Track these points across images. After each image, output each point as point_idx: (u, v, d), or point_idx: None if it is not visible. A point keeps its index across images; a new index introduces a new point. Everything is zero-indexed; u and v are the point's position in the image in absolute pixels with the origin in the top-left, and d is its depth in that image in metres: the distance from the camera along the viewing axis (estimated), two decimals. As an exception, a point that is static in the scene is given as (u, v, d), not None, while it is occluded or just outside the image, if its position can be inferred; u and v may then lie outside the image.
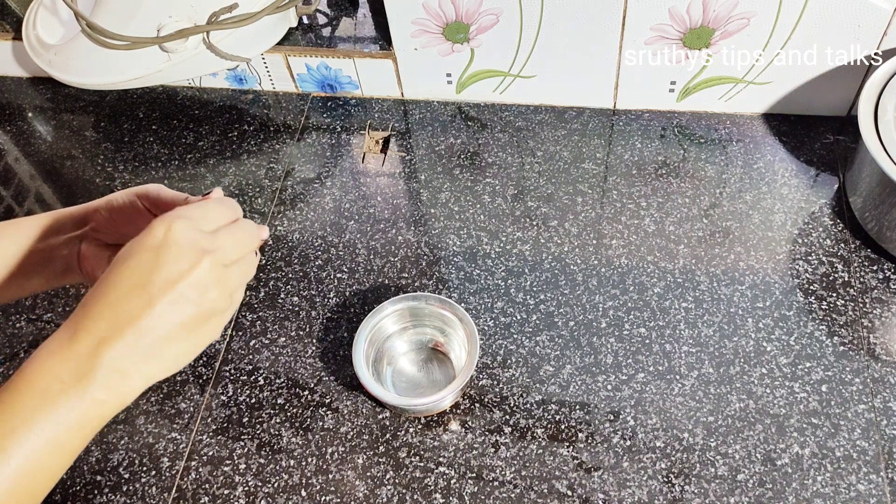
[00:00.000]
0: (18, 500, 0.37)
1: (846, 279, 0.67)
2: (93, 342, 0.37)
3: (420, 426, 0.62)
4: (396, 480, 0.59)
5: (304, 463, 0.61)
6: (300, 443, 0.62)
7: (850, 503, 0.55)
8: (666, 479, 0.58)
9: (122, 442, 0.63)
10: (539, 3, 0.72)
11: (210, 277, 0.40)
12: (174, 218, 0.39)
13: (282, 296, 0.71)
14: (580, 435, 0.60)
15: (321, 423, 0.63)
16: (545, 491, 0.58)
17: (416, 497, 0.58)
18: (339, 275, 0.72)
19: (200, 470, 0.61)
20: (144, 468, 0.62)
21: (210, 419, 0.64)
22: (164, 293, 0.38)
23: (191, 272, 0.39)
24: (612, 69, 0.78)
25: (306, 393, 0.65)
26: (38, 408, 0.37)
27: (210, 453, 0.62)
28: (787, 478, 0.57)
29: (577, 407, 0.62)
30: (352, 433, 0.62)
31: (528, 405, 0.62)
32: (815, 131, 0.78)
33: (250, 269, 0.44)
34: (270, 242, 0.75)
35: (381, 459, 0.61)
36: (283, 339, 0.68)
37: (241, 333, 0.69)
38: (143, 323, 0.38)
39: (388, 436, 0.62)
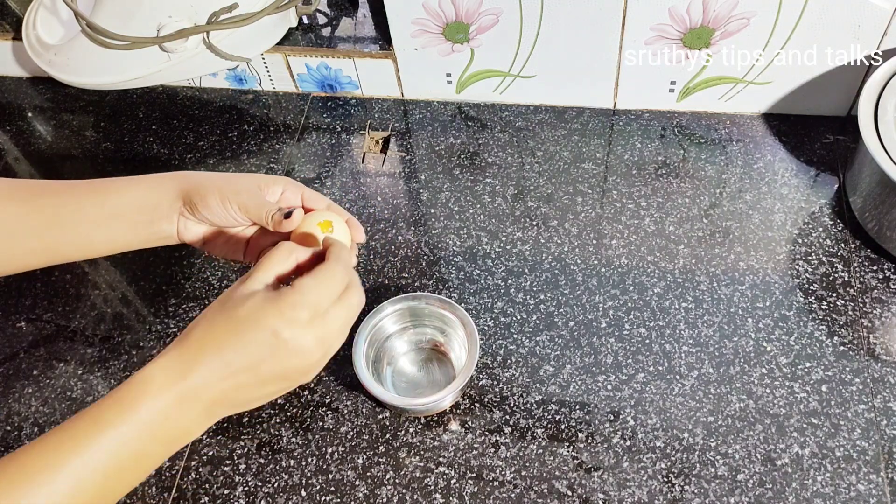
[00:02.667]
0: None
1: (846, 279, 0.67)
2: (200, 399, 0.42)
3: (420, 426, 0.62)
4: (396, 480, 0.59)
5: (304, 463, 0.61)
6: (300, 443, 0.62)
7: (850, 503, 0.55)
8: (666, 479, 0.58)
9: (122, 442, 0.63)
10: (539, 3, 0.72)
11: (316, 365, 0.45)
12: (290, 320, 0.42)
13: (282, 296, 0.71)
14: (580, 435, 0.60)
15: (321, 423, 0.63)
16: (545, 491, 0.58)
17: (416, 497, 0.58)
18: (339, 275, 0.72)
19: (200, 470, 0.61)
20: (144, 468, 0.62)
21: (210, 419, 0.64)
22: (272, 381, 0.44)
23: (300, 366, 0.44)
24: (612, 69, 0.78)
25: (306, 393, 0.65)
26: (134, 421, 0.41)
27: (210, 453, 0.62)
28: (787, 478, 0.57)
29: (577, 407, 0.62)
30: (352, 433, 0.62)
31: (528, 405, 0.62)
32: (815, 131, 0.78)
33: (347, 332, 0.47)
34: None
35: (381, 459, 0.61)
36: (283, 339, 0.68)
37: (241, 333, 0.69)
38: (246, 395, 0.43)
39: (388, 436, 0.62)
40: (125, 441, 0.40)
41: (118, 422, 0.40)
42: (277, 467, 0.61)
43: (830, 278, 0.67)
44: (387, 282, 0.71)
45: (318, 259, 0.47)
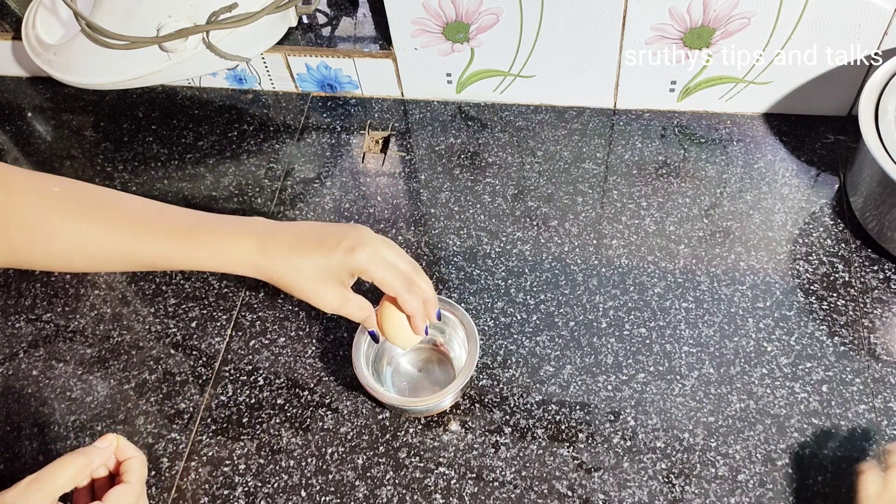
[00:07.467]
0: None
1: (847, 279, 0.67)
2: None
3: (420, 426, 0.62)
4: (396, 481, 0.59)
5: (304, 463, 0.61)
6: (300, 443, 0.62)
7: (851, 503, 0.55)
8: (666, 480, 0.57)
9: (122, 442, 0.63)
10: (539, 3, 0.72)
11: None
12: None
13: (282, 296, 0.71)
14: (580, 435, 0.60)
15: (321, 424, 0.63)
16: (545, 491, 0.58)
17: (416, 497, 0.58)
18: (339, 275, 0.72)
19: (200, 470, 0.61)
20: (144, 468, 0.62)
21: (210, 419, 0.64)
22: None
23: None
24: (613, 69, 0.78)
25: (306, 393, 0.65)
26: None
27: (210, 453, 0.62)
28: (788, 478, 0.57)
29: (578, 407, 0.62)
30: (352, 433, 0.62)
31: (528, 405, 0.62)
32: (816, 131, 0.78)
33: None
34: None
35: (381, 460, 0.60)
36: (283, 339, 0.68)
37: (240, 333, 0.69)
38: None
39: (388, 436, 0.62)
40: None
41: None
42: (277, 467, 0.61)
43: (831, 278, 0.67)
44: (387, 282, 0.71)
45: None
